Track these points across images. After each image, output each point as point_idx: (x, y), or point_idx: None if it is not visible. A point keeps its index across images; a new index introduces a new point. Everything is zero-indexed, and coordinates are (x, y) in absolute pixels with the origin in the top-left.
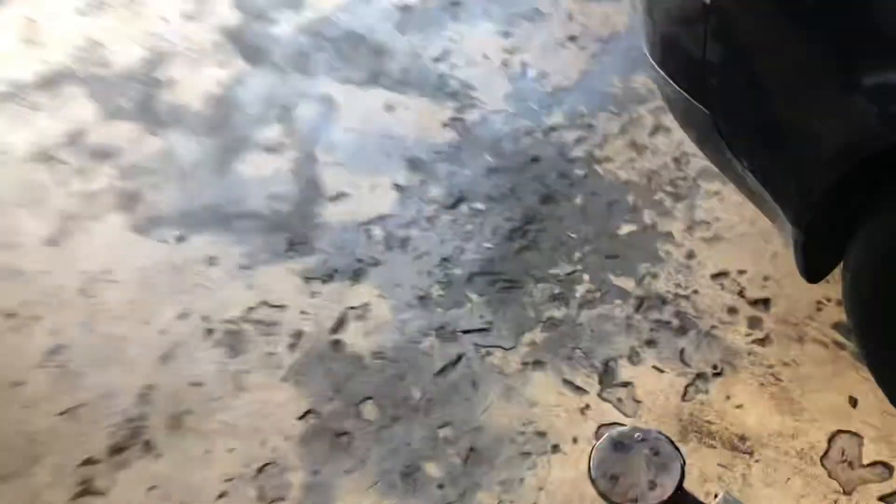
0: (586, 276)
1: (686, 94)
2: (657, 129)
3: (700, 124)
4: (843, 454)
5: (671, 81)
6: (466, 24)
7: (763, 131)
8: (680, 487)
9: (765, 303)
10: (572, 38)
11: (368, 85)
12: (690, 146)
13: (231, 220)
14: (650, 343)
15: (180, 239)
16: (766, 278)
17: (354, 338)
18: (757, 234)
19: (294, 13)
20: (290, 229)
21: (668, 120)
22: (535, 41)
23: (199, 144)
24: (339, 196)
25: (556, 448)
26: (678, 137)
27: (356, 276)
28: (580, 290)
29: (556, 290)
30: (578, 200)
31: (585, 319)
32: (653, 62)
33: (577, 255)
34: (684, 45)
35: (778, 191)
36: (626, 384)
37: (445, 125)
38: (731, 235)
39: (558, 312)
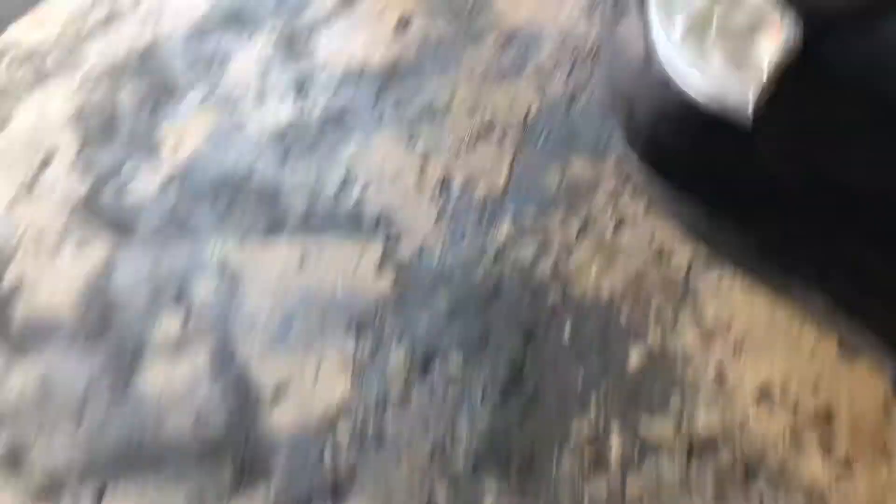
0: (615, 428)
1: (709, 207)
2: (621, 222)
3: (735, 243)
4: None
5: (677, 191)
6: (361, 137)
7: (855, 264)
8: None
9: (827, 414)
10: (485, 130)
11: (269, 237)
12: (666, 235)
13: (152, 459)
14: (721, 502)
15: (97, 500)
16: (815, 382)
17: None
18: (783, 329)
19: (151, 164)
20: (232, 453)
21: (629, 208)
22: (446, 142)
23: (84, 363)
24: (280, 392)
25: None
26: (648, 227)
27: (335, 496)
28: (614, 449)
29: (588, 455)
30: (566, 333)
31: (636, 489)
32: (639, 162)
33: (591, 401)
34: (701, 156)
35: (874, 324)
36: None
37: (378, 268)
38: (755, 337)
39: (601, 486)
